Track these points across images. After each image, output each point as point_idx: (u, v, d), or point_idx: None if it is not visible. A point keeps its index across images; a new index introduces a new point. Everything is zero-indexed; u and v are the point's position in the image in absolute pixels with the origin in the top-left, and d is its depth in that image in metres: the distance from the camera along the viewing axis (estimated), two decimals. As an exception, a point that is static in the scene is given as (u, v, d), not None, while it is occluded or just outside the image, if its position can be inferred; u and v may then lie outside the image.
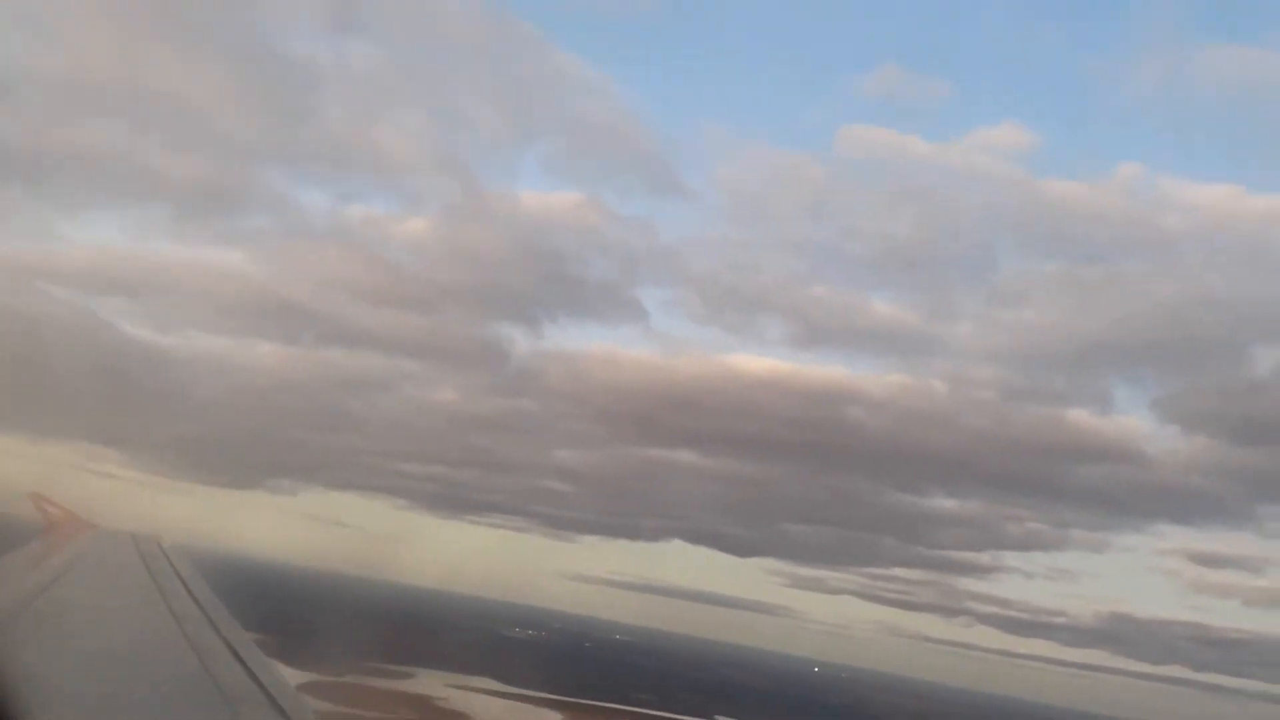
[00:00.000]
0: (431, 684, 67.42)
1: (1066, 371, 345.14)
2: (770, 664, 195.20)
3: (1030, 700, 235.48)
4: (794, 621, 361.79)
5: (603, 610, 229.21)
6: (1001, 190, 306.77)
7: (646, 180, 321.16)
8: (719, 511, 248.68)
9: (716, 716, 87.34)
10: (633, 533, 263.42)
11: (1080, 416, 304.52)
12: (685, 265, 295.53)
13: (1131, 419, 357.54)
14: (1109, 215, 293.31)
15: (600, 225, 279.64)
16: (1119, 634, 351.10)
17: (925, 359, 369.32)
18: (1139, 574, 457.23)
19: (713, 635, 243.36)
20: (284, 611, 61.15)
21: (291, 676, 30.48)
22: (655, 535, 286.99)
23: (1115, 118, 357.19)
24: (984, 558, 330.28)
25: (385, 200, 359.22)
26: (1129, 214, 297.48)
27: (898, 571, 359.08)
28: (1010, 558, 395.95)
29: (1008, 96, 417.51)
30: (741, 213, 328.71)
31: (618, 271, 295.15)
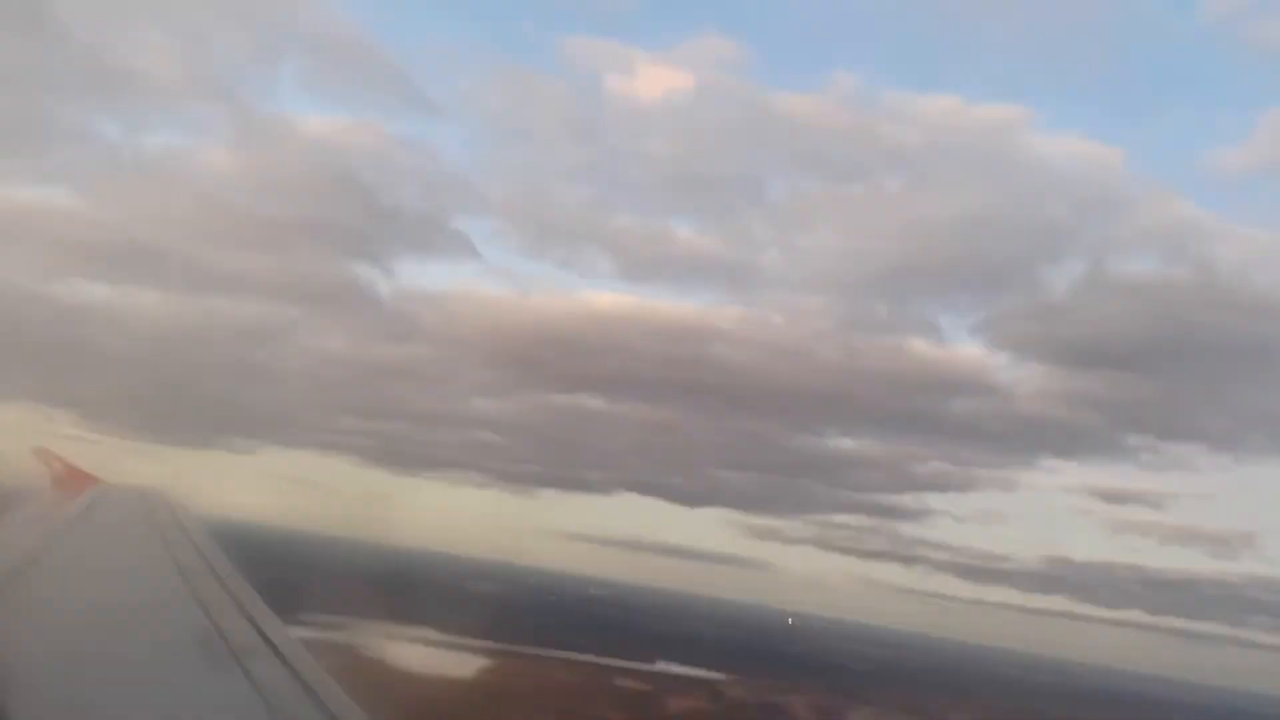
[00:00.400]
0: (363, 635, 69.13)
1: (884, 298, 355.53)
2: (744, 616, 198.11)
3: (1002, 648, 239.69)
4: (769, 575, 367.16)
5: (578, 566, 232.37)
6: (731, 104, 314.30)
7: (400, 99, 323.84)
8: (650, 461, 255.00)
9: (658, 661, 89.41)
10: (584, 485, 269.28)
11: (922, 347, 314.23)
12: (484, 193, 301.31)
13: (969, 348, 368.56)
14: (842, 129, 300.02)
15: (382, 149, 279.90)
16: (1070, 579, 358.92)
17: (749, 289, 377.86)
18: (1056, 514, 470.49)
19: (692, 590, 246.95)
20: (250, 571, 62.71)
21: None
22: (605, 488, 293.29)
23: (820, 30, 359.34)
24: (908, 500, 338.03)
25: (170, 130, 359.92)
26: (864, 127, 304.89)
27: (839, 518, 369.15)
28: (932, 500, 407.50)
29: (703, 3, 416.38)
30: (505, 134, 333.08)
31: (425, 200, 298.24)
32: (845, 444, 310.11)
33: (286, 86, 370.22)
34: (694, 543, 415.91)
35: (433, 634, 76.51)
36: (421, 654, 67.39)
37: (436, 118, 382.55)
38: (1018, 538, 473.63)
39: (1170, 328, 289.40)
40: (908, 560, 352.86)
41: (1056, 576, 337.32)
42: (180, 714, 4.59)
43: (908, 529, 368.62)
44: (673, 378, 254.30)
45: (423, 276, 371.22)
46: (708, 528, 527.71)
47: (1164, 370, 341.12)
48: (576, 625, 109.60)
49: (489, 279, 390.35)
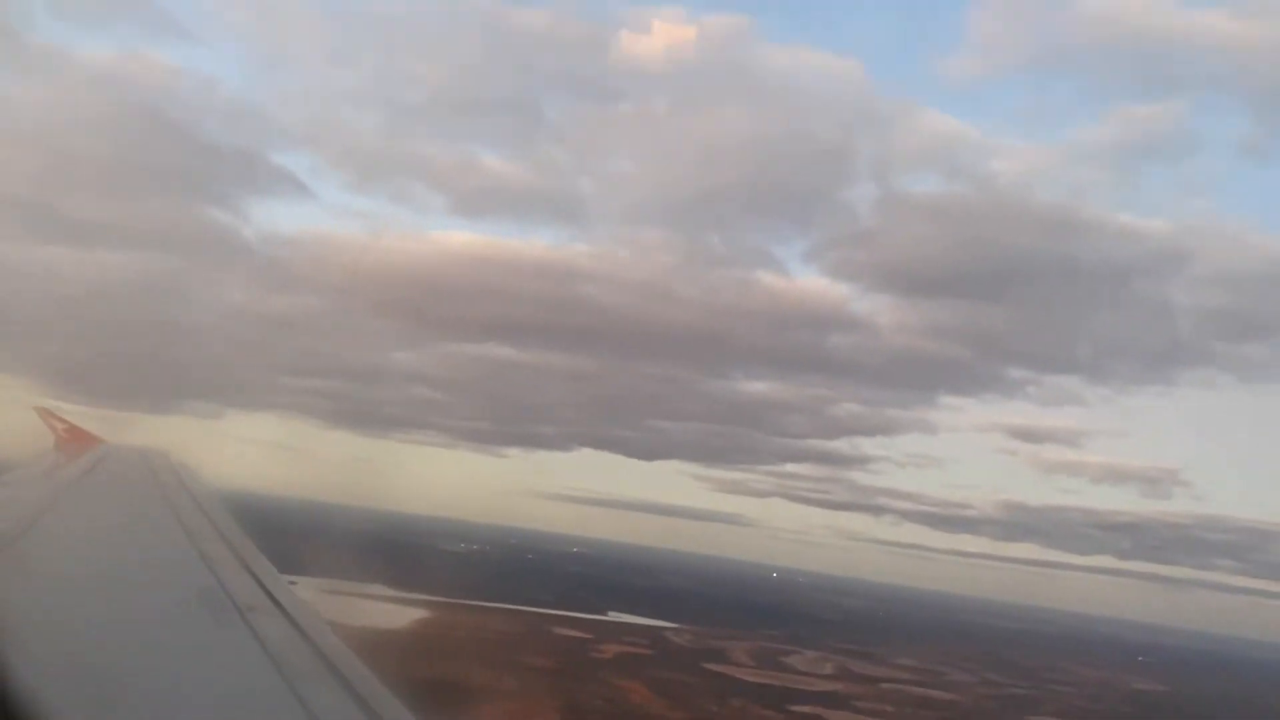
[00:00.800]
0: (308, 590, 71.95)
1: (711, 229, 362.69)
2: (728, 571, 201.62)
3: (983, 598, 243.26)
4: (754, 532, 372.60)
5: (562, 525, 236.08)
6: (474, 20, 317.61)
7: (146, 25, 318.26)
8: (591, 414, 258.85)
9: (609, 612, 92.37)
10: (541, 442, 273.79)
11: (769, 279, 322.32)
12: (285, 124, 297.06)
13: (812, 280, 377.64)
14: (580, 41, 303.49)
15: (165, 81, 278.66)
16: (1031, 525, 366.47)
17: (581, 223, 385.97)
18: (985, 456, 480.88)
19: (680, 547, 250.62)
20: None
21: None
22: (563, 444, 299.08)
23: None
24: (842, 446, 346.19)
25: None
26: (600, 39, 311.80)
27: (790, 468, 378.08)
28: (865, 445, 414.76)
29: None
30: (270, 60, 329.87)
31: (236, 135, 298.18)
32: (756, 387, 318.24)
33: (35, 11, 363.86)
34: (674, 499, 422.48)
35: (382, 589, 79.33)
36: (362, 606, 70.34)
37: (194, 43, 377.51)
38: (965, 484, 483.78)
39: (982, 251, 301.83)
40: (875, 511, 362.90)
41: (1018, 523, 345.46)
42: (186, 672, 4.55)
43: (859, 477, 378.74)
44: (561, 322, 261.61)
45: (273, 219, 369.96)
46: (674, 482, 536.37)
47: (999, 297, 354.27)
48: (545, 581, 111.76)
49: (332, 219, 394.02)
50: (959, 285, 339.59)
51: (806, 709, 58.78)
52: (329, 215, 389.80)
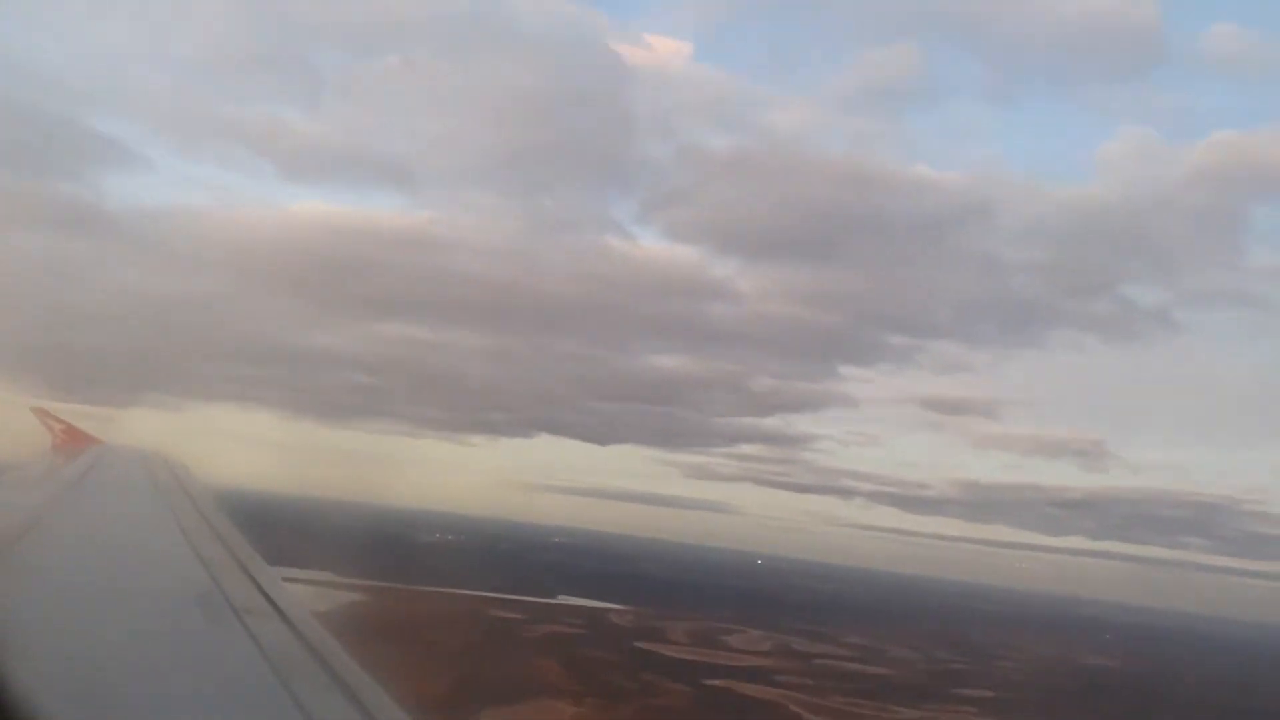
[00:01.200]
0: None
1: (540, 191, 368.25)
2: (711, 559, 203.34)
3: (961, 581, 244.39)
4: (737, 518, 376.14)
5: (552, 517, 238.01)
6: None
7: None
8: (524, 396, 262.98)
9: (559, 596, 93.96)
10: (502, 429, 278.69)
11: (618, 244, 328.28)
12: (83, 88, 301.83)
13: (657, 244, 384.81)
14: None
15: None
16: (990, 503, 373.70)
17: (410, 187, 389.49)
18: (916, 431, 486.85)
19: (667, 536, 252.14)
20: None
21: None
22: (522, 430, 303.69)
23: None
24: (778, 423, 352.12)
25: None
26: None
27: (745, 449, 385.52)
28: (799, 422, 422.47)
29: None
30: (42, 19, 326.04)
31: (47, 97, 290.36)
32: (665, 362, 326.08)
33: None
34: (652, 488, 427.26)
35: (330, 576, 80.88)
36: (296, 592, 72.01)
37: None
38: (910, 461, 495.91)
39: (800, 210, 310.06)
40: (843, 494, 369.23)
41: (978, 502, 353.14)
42: (184, 673, 4.55)
43: (813, 458, 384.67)
44: (445, 295, 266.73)
45: (123, 192, 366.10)
46: (641, 468, 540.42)
47: (833, 258, 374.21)
48: (509, 568, 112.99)
49: (173, 188, 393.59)
50: (792, 247, 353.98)
51: (719, 682, 60.36)
52: (170, 185, 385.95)
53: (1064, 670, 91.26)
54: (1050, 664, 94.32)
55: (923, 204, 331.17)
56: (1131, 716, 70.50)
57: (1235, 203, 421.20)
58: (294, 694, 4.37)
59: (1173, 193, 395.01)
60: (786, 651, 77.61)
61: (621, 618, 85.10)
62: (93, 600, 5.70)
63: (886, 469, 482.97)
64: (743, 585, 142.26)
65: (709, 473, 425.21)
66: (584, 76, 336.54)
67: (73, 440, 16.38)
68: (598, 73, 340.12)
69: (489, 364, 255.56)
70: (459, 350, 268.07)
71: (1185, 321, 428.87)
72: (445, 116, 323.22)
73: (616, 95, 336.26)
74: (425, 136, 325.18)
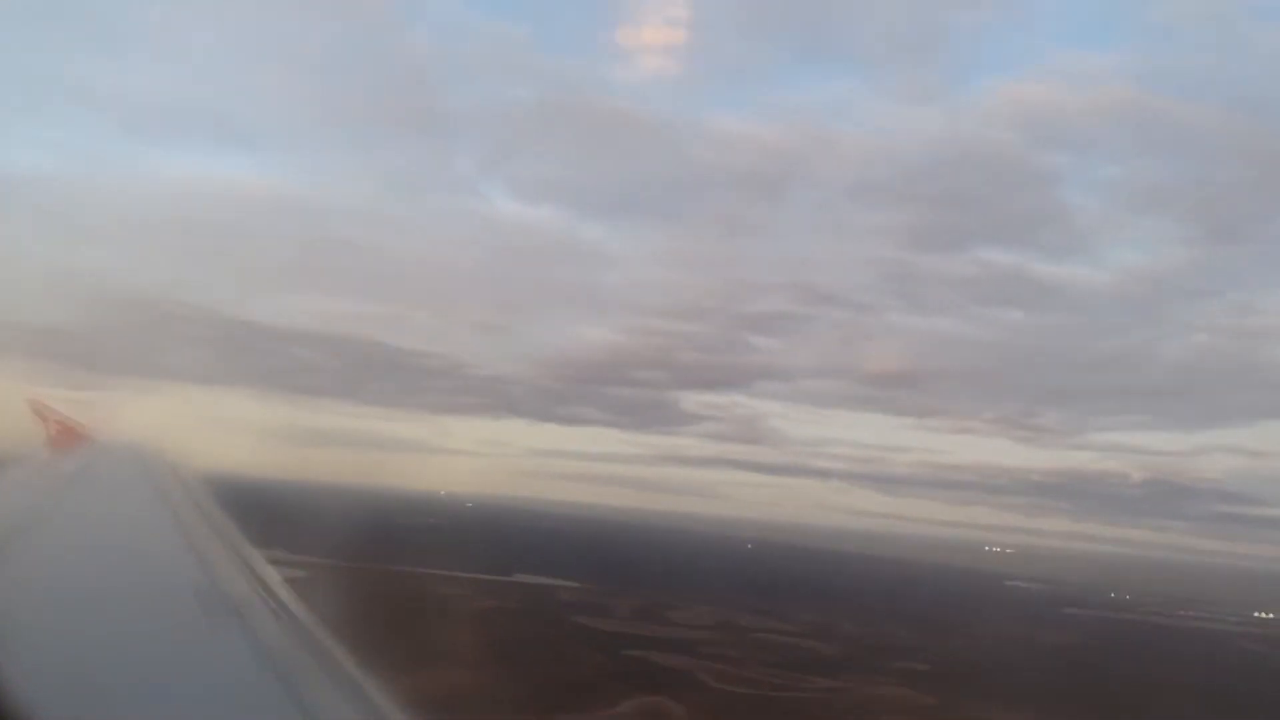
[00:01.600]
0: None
1: (377, 147, 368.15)
2: (701, 539, 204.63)
3: (963, 569, 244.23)
4: (732, 503, 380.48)
5: (550, 494, 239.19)
6: None
7: None
8: (478, 377, 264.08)
9: (515, 574, 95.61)
10: (473, 410, 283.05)
11: (480, 206, 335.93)
12: None
13: (515, 205, 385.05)
14: None
15: None
16: (958, 483, 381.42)
17: (263, 150, 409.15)
18: (831, 402, 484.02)
19: (683, 511, 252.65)
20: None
21: None
22: (491, 411, 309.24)
23: None
24: (723, 400, 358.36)
25: None
26: None
27: (704, 427, 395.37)
28: (740, 400, 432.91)
29: None
30: None
31: None
32: (589, 333, 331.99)
33: None
34: (651, 473, 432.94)
35: (282, 554, 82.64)
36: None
37: None
38: (855, 442, 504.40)
39: (637, 165, 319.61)
40: (819, 475, 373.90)
41: (944, 481, 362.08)
42: (182, 670, 4.55)
43: (771, 436, 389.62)
44: (349, 266, 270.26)
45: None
46: (620, 450, 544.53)
47: (685, 215, 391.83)
48: (477, 549, 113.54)
49: (30, 151, 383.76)
50: (643, 204, 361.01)
51: (637, 653, 61.89)
52: (25, 148, 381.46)
53: (1015, 646, 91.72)
54: (1003, 642, 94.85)
55: (746, 161, 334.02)
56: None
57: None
58: (290, 690, 4.40)
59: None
60: (725, 627, 79.00)
61: (569, 594, 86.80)
62: (85, 595, 5.74)
63: (846, 450, 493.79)
64: (721, 566, 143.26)
65: (680, 455, 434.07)
66: (358, 21, 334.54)
67: (69, 434, 16.58)
68: (373, 19, 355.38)
69: (428, 339, 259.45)
70: (392, 323, 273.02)
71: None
72: (265, 71, 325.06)
73: (414, 40, 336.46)
74: (250, 95, 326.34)
